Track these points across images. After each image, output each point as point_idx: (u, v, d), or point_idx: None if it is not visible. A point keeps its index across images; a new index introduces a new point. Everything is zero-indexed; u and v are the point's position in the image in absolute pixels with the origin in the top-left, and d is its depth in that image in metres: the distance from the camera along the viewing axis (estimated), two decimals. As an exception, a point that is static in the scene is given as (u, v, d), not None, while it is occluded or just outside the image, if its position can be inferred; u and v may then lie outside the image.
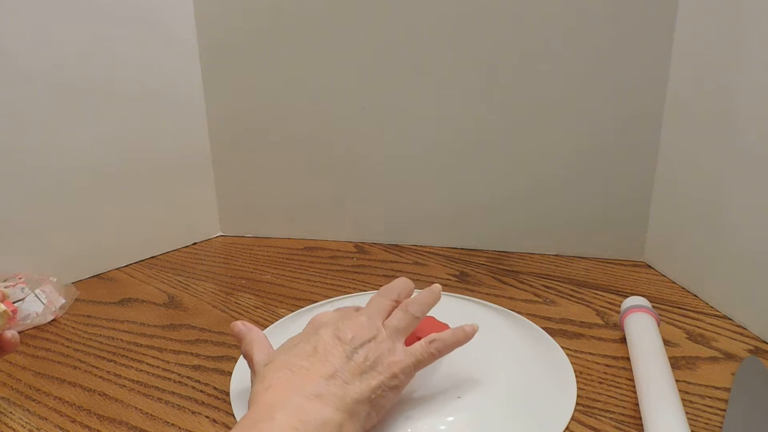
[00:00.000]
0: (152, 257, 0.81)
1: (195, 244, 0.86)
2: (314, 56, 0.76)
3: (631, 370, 0.52)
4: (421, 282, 0.71)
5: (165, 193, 0.80)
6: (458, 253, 0.80)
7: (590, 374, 0.53)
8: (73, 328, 0.64)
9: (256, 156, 0.83)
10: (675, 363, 0.53)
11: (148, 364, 0.57)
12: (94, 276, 0.76)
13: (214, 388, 0.53)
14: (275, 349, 0.46)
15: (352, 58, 0.75)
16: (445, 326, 0.54)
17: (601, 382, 0.52)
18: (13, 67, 0.65)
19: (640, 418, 0.46)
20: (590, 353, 0.56)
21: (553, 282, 0.71)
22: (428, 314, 0.53)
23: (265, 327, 0.62)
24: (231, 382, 0.54)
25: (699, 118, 0.64)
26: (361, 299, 0.52)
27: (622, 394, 0.50)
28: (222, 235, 0.88)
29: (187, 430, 0.48)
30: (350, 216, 0.84)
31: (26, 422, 0.49)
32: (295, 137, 0.81)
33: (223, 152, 0.84)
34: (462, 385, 0.48)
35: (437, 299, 0.49)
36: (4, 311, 0.47)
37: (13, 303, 0.63)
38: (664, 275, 0.72)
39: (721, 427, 0.46)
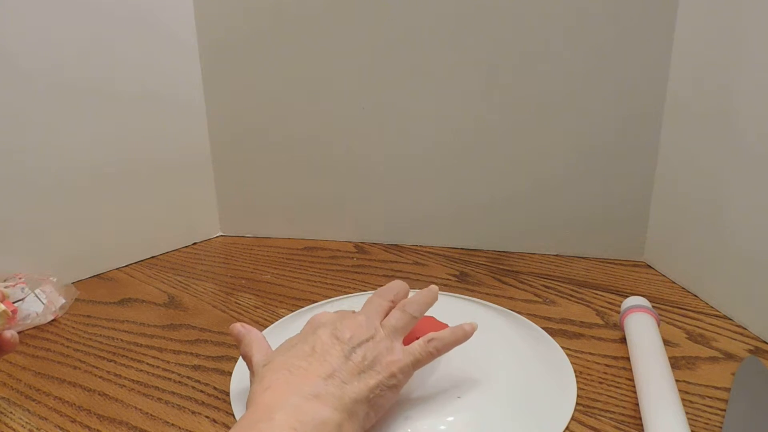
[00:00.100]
0: (152, 257, 0.81)
1: (195, 244, 0.86)
2: (314, 56, 0.76)
3: (631, 370, 0.52)
4: (422, 282, 0.71)
5: (165, 193, 0.80)
6: (458, 253, 0.80)
7: (590, 374, 0.53)
8: (73, 328, 0.64)
9: (256, 156, 0.83)
10: (675, 363, 0.53)
11: (148, 364, 0.57)
12: (94, 276, 0.76)
13: (214, 388, 0.53)
14: (274, 349, 0.46)
15: (352, 58, 0.75)
16: (445, 326, 0.54)
17: (601, 382, 0.52)
18: (13, 67, 0.65)
19: (640, 418, 0.46)
20: (590, 353, 0.56)
21: (553, 282, 0.71)
22: (428, 314, 0.53)
23: (265, 327, 0.62)
24: (231, 382, 0.54)
25: (699, 118, 0.64)
26: (361, 299, 0.52)
27: (622, 394, 0.50)
28: (222, 235, 0.88)
29: (187, 430, 0.48)
30: (350, 216, 0.84)
31: (26, 422, 0.49)
32: (295, 137, 0.81)
33: (223, 152, 0.84)
34: (462, 385, 0.48)
35: (434, 299, 0.49)
36: (4, 311, 0.47)
37: (13, 303, 0.63)
38: (664, 275, 0.72)
39: (721, 427, 0.46)
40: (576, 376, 0.52)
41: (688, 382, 0.52)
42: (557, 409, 0.49)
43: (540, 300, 0.67)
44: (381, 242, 0.84)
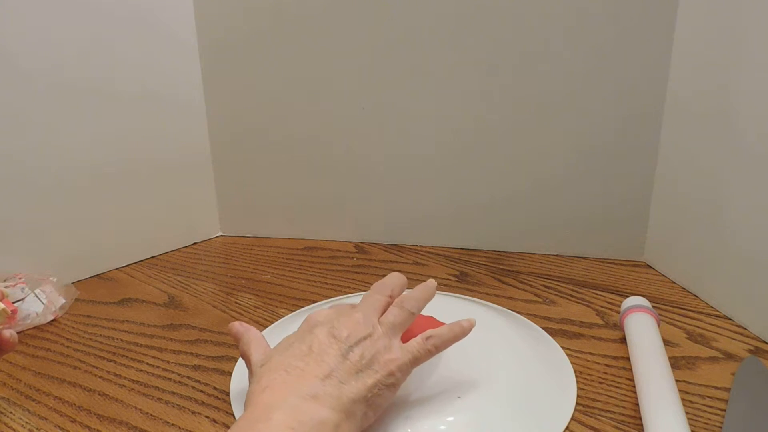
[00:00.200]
0: (152, 257, 0.81)
1: (195, 244, 0.86)
2: (314, 56, 0.76)
3: (631, 370, 0.52)
4: (421, 282, 0.71)
5: (165, 193, 0.80)
6: (458, 253, 0.80)
7: (590, 374, 0.53)
8: (73, 328, 0.64)
9: (256, 156, 0.83)
10: (675, 363, 0.53)
11: (148, 364, 0.57)
12: (94, 276, 0.76)
13: (214, 388, 0.53)
14: (272, 348, 0.46)
15: (352, 58, 0.75)
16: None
17: (601, 382, 0.52)
18: (13, 67, 0.65)
19: (640, 418, 0.46)
20: (590, 353, 0.56)
21: (553, 282, 0.71)
22: (429, 314, 0.53)
23: (265, 327, 0.62)
24: (231, 382, 0.54)
25: (699, 118, 0.64)
26: (360, 299, 0.52)
27: (622, 394, 0.50)
28: (222, 235, 0.88)
29: (187, 430, 0.48)
30: (350, 216, 0.84)
31: (26, 422, 0.49)
32: (295, 137, 0.81)
33: (223, 152, 0.84)
34: (462, 385, 0.48)
35: (432, 294, 0.49)
36: (3, 309, 0.47)
37: (13, 303, 0.63)
38: (664, 275, 0.72)
39: (721, 427, 0.46)
40: (576, 376, 0.52)
41: (688, 382, 0.52)
42: (557, 409, 0.49)
43: (540, 300, 0.67)
44: (381, 242, 0.84)
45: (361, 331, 0.44)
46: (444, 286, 0.70)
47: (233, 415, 0.50)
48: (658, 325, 0.56)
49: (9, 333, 0.48)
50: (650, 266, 0.74)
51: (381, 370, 0.42)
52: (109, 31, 0.71)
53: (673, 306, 0.65)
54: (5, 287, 0.64)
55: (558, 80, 0.70)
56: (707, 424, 0.47)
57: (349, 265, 0.77)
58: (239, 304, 0.68)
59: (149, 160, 0.78)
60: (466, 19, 0.71)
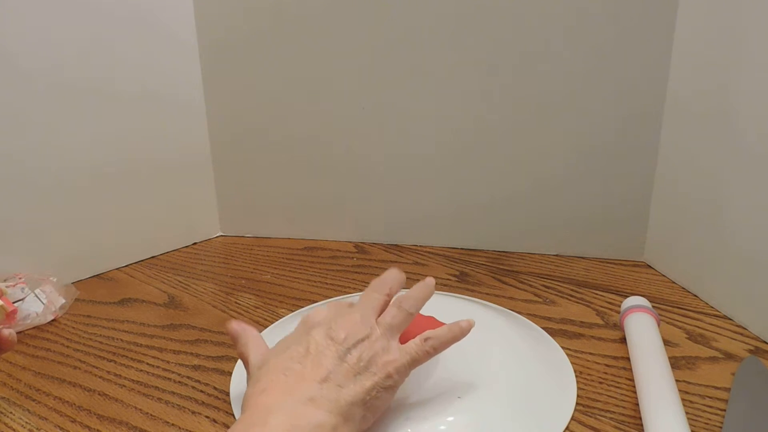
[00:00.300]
0: (152, 257, 0.81)
1: (195, 244, 0.86)
2: (314, 56, 0.76)
3: (631, 370, 0.52)
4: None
5: (165, 193, 0.80)
6: (458, 253, 0.80)
7: (590, 374, 0.53)
8: (73, 328, 0.64)
9: (256, 156, 0.83)
10: (675, 363, 0.53)
11: (148, 364, 0.57)
12: (94, 276, 0.76)
13: (214, 388, 0.53)
14: (270, 348, 0.46)
15: (352, 58, 0.75)
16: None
17: (601, 382, 0.52)
18: (13, 67, 0.65)
19: (640, 418, 0.46)
20: (590, 353, 0.56)
21: (553, 282, 0.71)
22: (429, 314, 0.53)
23: (265, 327, 0.62)
24: (231, 382, 0.54)
25: (699, 118, 0.64)
26: (359, 297, 0.52)
27: (622, 394, 0.50)
28: (222, 235, 0.88)
29: (187, 430, 0.48)
30: (350, 216, 0.84)
31: (26, 422, 0.49)
32: (295, 137, 0.81)
33: (223, 152, 0.84)
34: (462, 385, 0.48)
35: (431, 293, 0.48)
36: (2, 306, 0.47)
37: (13, 303, 0.63)
38: (664, 275, 0.72)
39: (721, 427, 0.46)
40: (576, 376, 0.52)
41: (688, 382, 0.52)
42: (557, 409, 0.49)
43: (540, 300, 0.67)
44: (381, 242, 0.84)
45: (359, 333, 0.43)
46: (444, 286, 0.70)
47: (233, 415, 0.50)
48: (658, 325, 0.56)
49: (8, 332, 0.48)
50: (650, 266, 0.74)
51: (379, 372, 0.42)
52: (109, 31, 0.71)
53: (673, 306, 0.65)
54: (5, 287, 0.64)
55: (558, 80, 0.70)
56: (707, 424, 0.47)
57: (349, 265, 0.77)
58: (239, 304, 0.68)
59: (149, 160, 0.78)
60: (466, 19, 0.71)
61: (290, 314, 0.64)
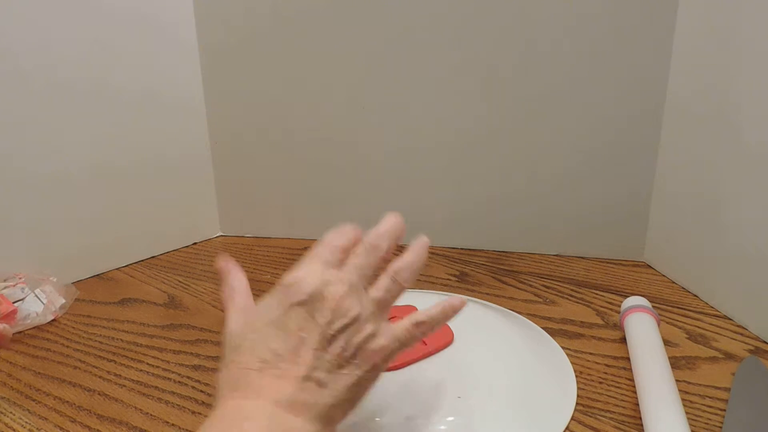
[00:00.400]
0: (152, 257, 0.81)
1: (195, 244, 0.86)
2: (314, 56, 0.76)
3: (631, 370, 0.52)
4: (421, 282, 0.71)
5: (165, 193, 0.80)
6: (458, 253, 0.80)
7: (590, 374, 0.53)
8: (73, 328, 0.64)
9: (256, 156, 0.83)
10: (675, 363, 0.53)
11: (148, 364, 0.57)
12: (94, 276, 0.76)
13: (214, 388, 0.53)
14: (249, 317, 0.40)
15: (353, 57, 0.75)
16: (446, 326, 0.54)
17: (601, 382, 0.52)
18: (13, 67, 0.65)
19: (640, 418, 0.46)
20: (590, 353, 0.56)
21: (553, 282, 0.71)
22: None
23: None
24: (231, 382, 0.54)
25: (699, 118, 0.64)
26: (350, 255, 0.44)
27: (622, 394, 0.50)
28: (222, 235, 0.88)
29: (187, 430, 0.48)
30: (350, 216, 0.84)
31: (26, 422, 0.49)
32: (295, 137, 0.81)
33: (223, 152, 0.84)
34: (462, 385, 0.48)
35: (425, 256, 0.43)
36: None
37: (13, 303, 0.63)
38: (664, 275, 0.72)
39: (721, 427, 0.46)
40: (576, 376, 0.52)
41: (688, 382, 0.52)
42: (557, 409, 0.49)
43: (540, 300, 0.67)
44: (381, 242, 0.84)
45: (347, 313, 0.37)
46: (444, 286, 0.70)
47: (233, 415, 0.49)
48: (658, 325, 0.56)
49: (1, 326, 0.48)
50: (650, 266, 0.74)
51: (364, 363, 0.38)
52: (109, 31, 0.71)
53: (673, 306, 0.65)
54: (5, 287, 0.64)
55: (558, 80, 0.70)
56: (707, 424, 0.47)
57: (349, 265, 0.77)
58: (239, 304, 0.68)
59: (149, 159, 0.78)
60: (466, 19, 0.71)
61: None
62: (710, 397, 0.50)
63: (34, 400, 0.52)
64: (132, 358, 0.58)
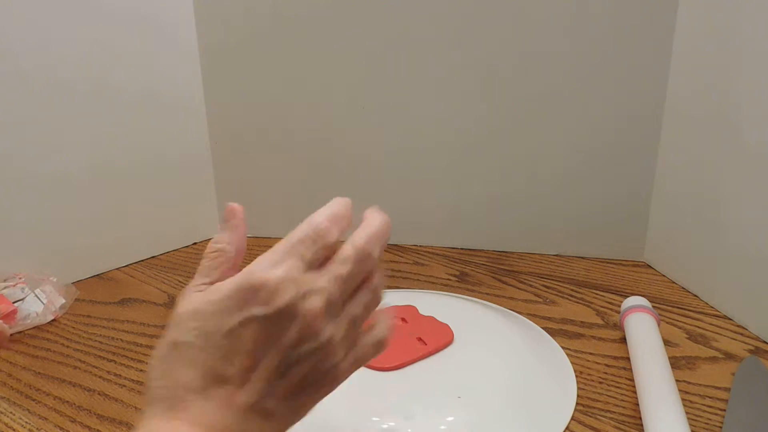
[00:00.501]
0: (152, 257, 0.81)
1: (195, 244, 0.86)
2: (314, 56, 0.76)
3: (631, 370, 0.52)
4: (421, 282, 0.71)
5: (165, 193, 0.80)
6: (458, 253, 0.80)
7: (590, 374, 0.53)
8: (73, 328, 0.64)
9: (256, 156, 0.83)
10: (675, 363, 0.53)
11: (148, 364, 0.57)
12: (94, 276, 0.76)
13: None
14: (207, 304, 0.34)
15: (352, 57, 0.75)
16: (446, 326, 0.54)
17: (601, 382, 0.52)
18: (13, 67, 0.65)
19: (640, 418, 0.46)
20: (590, 353, 0.56)
21: (553, 282, 0.71)
22: (428, 314, 0.53)
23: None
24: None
25: (699, 118, 0.64)
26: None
27: (622, 394, 0.50)
28: (222, 235, 0.88)
29: (187, 430, 0.48)
30: (350, 216, 0.84)
31: (26, 422, 0.49)
32: (295, 137, 0.81)
33: (223, 152, 0.84)
34: (462, 385, 0.48)
35: (387, 235, 0.37)
36: None
37: (13, 303, 0.63)
38: (664, 275, 0.72)
39: (721, 427, 0.46)
40: (576, 376, 0.52)
41: (688, 382, 0.52)
42: (557, 409, 0.49)
43: (540, 300, 0.67)
44: (381, 242, 0.84)
45: (317, 336, 0.31)
46: (444, 286, 0.70)
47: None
48: (658, 325, 0.56)
49: None
50: (650, 266, 0.74)
51: (323, 390, 0.32)
52: (109, 31, 0.71)
53: (673, 306, 0.65)
54: (5, 287, 0.64)
55: (558, 80, 0.70)
56: (707, 424, 0.47)
57: (349, 265, 0.77)
58: (239, 304, 0.68)
59: (149, 159, 0.77)
60: (467, 19, 0.71)
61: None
62: (710, 397, 0.50)
63: (34, 400, 0.52)
64: (132, 358, 0.58)
